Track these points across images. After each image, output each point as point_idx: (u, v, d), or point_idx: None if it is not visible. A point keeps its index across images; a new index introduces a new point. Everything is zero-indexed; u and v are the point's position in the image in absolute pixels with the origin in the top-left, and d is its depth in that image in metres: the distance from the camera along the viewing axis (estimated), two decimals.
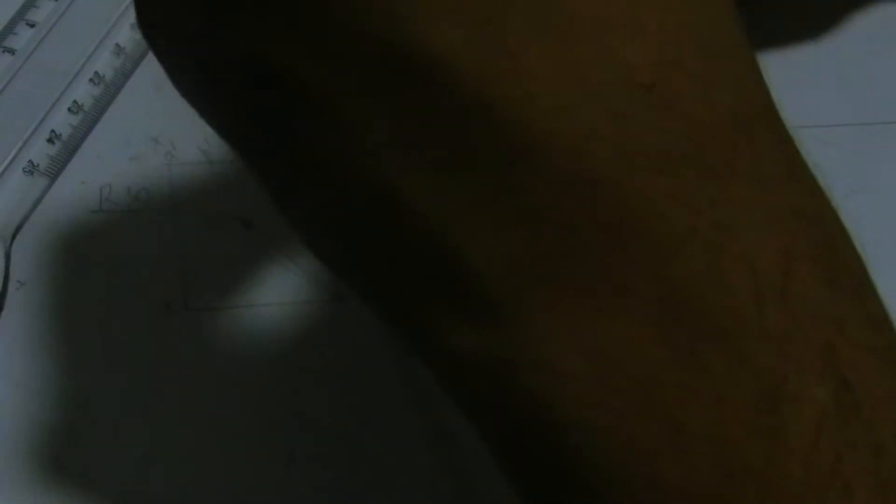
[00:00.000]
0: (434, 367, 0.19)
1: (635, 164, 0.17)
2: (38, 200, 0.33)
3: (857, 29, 0.38)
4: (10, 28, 0.35)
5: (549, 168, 0.17)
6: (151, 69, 0.35)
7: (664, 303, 0.17)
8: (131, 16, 0.36)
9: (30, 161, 0.33)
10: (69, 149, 0.33)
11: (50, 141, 0.33)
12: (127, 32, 0.35)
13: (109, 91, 0.35)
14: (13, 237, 0.32)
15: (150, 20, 0.20)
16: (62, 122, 0.34)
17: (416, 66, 0.17)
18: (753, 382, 0.17)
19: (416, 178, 0.17)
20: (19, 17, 0.35)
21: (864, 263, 0.19)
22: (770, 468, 0.16)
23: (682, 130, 0.17)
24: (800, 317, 0.17)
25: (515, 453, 0.18)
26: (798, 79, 0.36)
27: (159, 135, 0.34)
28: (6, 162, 0.32)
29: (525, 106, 0.17)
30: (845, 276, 0.18)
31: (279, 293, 0.32)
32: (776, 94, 0.21)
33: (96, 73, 0.34)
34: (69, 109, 0.34)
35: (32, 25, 0.35)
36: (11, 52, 0.34)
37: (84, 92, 0.34)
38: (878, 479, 0.17)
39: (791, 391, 0.17)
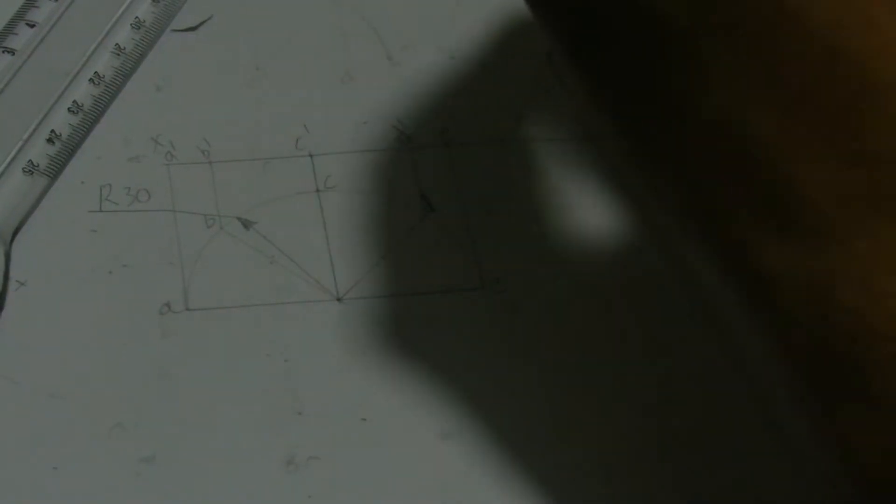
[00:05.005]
0: (735, 280, 0.21)
1: None
2: (38, 200, 0.33)
3: None
4: (10, 28, 0.35)
5: (891, 115, 0.19)
6: (151, 69, 0.35)
7: None
8: (131, 16, 0.36)
9: (30, 161, 0.33)
10: (69, 149, 0.33)
11: (50, 141, 0.33)
12: (127, 32, 0.35)
13: (109, 91, 0.35)
14: (13, 237, 0.32)
15: None
16: (62, 122, 0.34)
17: (766, 12, 0.19)
18: None
19: (759, 114, 0.19)
20: (19, 17, 0.35)
21: None
22: None
23: None
24: None
25: (814, 361, 0.20)
26: None
27: (159, 135, 0.34)
28: (6, 162, 0.32)
29: (871, 57, 0.19)
30: None
31: (279, 293, 0.32)
32: None
33: (96, 73, 0.34)
34: (69, 109, 0.34)
35: (32, 25, 0.35)
36: (11, 52, 0.34)
37: (84, 92, 0.34)
38: None
39: None
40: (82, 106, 0.34)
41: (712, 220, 0.21)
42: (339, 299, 0.32)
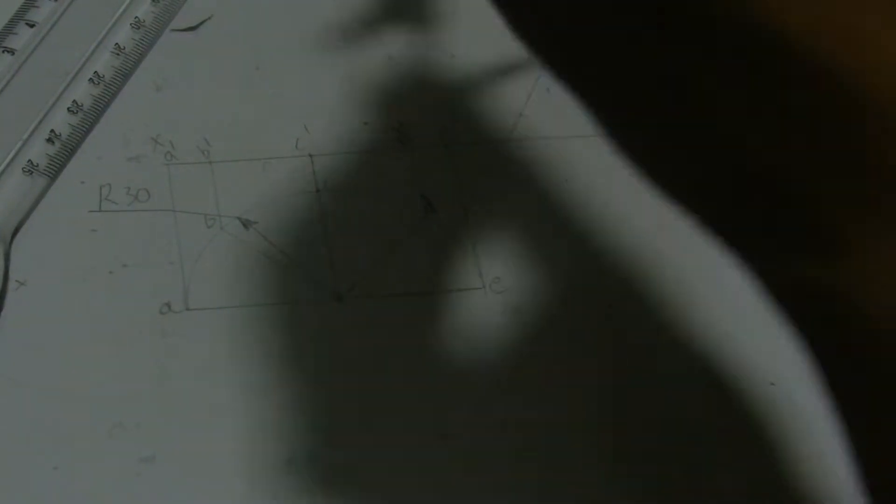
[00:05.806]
0: (765, 284, 0.21)
1: None
2: (38, 200, 0.33)
3: None
4: (10, 28, 0.35)
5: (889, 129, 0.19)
6: (151, 69, 0.35)
7: None
8: (131, 16, 0.36)
9: (29, 161, 0.33)
10: (69, 149, 0.33)
11: (49, 141, 0.33)
12: (127, 32, 0.35)
13: (109, 91, 0.35)
14: (13, 237, 0.32)
15: None
16: (62, 121, 0.34)
17: (767, 41, 0.19)
18: None
19: (763, 137, 0.20)
20: (19, 17, 0.35)
21: None
22: None
23: None
24: None
25: (833, 362, 0.21)
26: None
27: (159, 134, 0.34)
28: (6, 162, 0.32)
29: (870, 74, 0.19)
30: None
31: (279, 293, 0.32)
32: None
33: (96, 72, 0.34)
34: (69, 109, 0.34)
35: (32, 25, 0.35)
36: (11, 52, 0.34)
37: (83, 92, 0.34)
38: None
39: None
40: (82, 106, 0.34)
41: (740, 233, 0.21)
42: (339, 299, 0.32)
